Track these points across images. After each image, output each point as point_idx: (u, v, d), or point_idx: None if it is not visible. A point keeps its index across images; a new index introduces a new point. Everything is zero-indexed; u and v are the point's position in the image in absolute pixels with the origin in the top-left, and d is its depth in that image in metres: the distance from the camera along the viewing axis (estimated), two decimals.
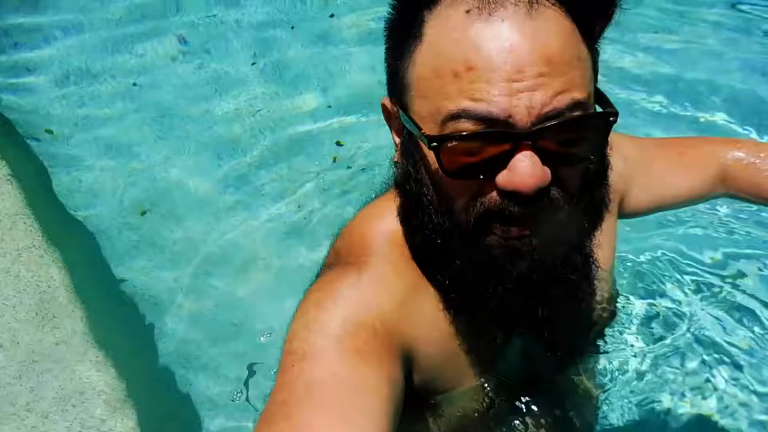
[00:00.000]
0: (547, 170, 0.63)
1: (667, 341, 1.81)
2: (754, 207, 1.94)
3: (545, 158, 0.63)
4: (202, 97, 2.64)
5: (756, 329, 1.80)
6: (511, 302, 0.70)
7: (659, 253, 1.94)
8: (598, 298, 0.89)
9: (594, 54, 0.68)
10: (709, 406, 1.64)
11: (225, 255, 2.07)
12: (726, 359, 1.71)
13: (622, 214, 1.02)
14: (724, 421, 1.60)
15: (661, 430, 1.59)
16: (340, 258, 0.80)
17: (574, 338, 0.87)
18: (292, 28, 2.90)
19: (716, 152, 1.07)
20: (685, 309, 1.89)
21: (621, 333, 1.84)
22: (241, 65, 2.78)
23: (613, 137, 1.10)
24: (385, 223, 0.80)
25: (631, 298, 1.93)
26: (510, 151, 0.63)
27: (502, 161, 0.63)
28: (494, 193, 0.66)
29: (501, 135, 0.62)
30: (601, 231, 0.89)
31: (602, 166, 0.72)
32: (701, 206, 1.95)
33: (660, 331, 1.85)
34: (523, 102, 0.61)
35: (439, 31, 0.65)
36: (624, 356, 1.80)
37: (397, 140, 0.78)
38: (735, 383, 1.68)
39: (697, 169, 1.06)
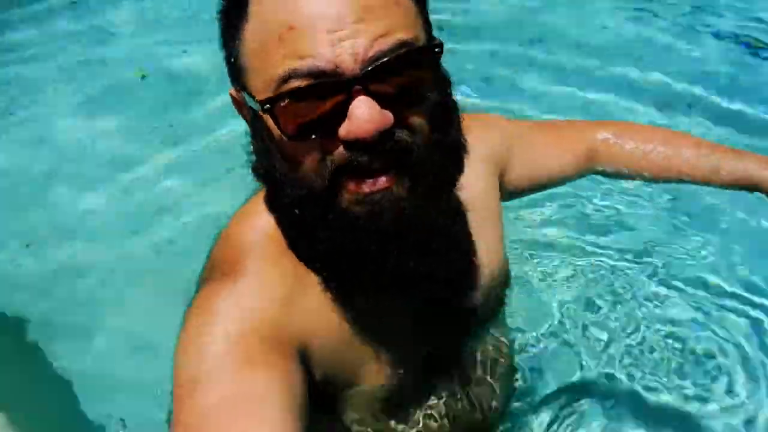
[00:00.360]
0: (387, 113, 0.64)
1: (584, 314, 1.86)
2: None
3: (383, 102, 0.64)
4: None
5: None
6: (385, 261, 0.70)
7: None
8: (484, 259, 0.89)
9: (420, 1, 0.70)
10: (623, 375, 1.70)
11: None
12: (644, 328, 1.75)
13: (505, 191, 1.04)
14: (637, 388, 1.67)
15: (574, 401, 1.63)
16: (216, 269, 0.78)
17: (461, 294, 0.86)
18: None
19: (586, 133, 1.15)
20: (600, 277, 1.95)
21: (536, 313, 1.88)
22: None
23: (491, 117, 1.14)
24: (260, 218, 0.78)
25: (541, 276, 1.98)
26: (345, 100, 0.64)
27: (341, 113, 0.64)
28: (341, 148, 0.66)
29: (331, 85, 0.63)
30: (484, 203, 0.92)
31: (446, 104, 0.73)
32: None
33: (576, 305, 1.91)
34: (346, 50, 0.62)
35: (262, 3, 0.66)
36: (537, 330, 1.84)
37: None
38: (655, 351, 1.74)
39: (570, 148, 1.13)
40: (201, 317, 0.71)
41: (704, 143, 1.13)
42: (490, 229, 0.92)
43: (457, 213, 0.81)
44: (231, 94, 0.77)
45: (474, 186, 0.88)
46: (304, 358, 0.73)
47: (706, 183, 1.10)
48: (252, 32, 0.67)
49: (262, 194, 0.81)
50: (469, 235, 0.86)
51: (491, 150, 0.98)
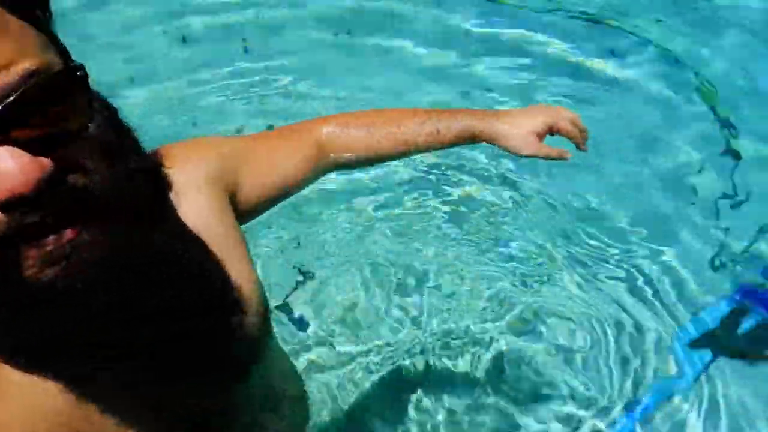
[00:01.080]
0: (42, 159, 0.52)
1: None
2: None
3: (33, 147, 0.52)
4: None
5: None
6: (108, 318, 0.57)
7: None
8: (234, 283, 0.80)
9: (41, 21, 0.58)
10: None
11: None
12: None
13: (241, 210, 0.95)
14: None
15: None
16: None
17: (216, 331, 0.76)
18: None
19: (311, 130, 1.13)
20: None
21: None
22: None
23: (204, 139, 1.05)
24: None
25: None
26: None
27: None
28: None
29: None
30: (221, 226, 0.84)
31: (114, 128, 0.63)
32: None
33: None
34: None
35: None
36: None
37: None
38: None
39: (299, 151, 1.10)
40: None
41: (420, 111, 1.18)
42: (231, 252, 0.83)
43: (182, 240, 0.72)
44: None
45: (200, 211, 0.81)
46: None
47: (434, 147, 1.17)
48: None
49: None
50: (205, 261, 0.77)
51: (212, 172, 0.90)
